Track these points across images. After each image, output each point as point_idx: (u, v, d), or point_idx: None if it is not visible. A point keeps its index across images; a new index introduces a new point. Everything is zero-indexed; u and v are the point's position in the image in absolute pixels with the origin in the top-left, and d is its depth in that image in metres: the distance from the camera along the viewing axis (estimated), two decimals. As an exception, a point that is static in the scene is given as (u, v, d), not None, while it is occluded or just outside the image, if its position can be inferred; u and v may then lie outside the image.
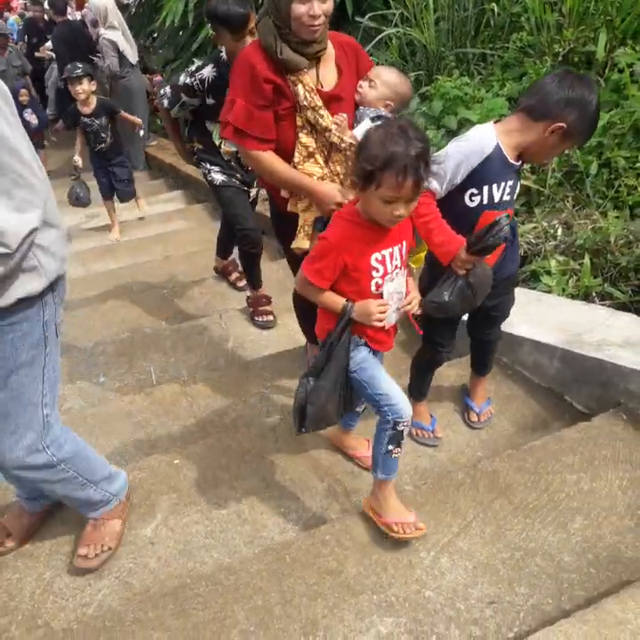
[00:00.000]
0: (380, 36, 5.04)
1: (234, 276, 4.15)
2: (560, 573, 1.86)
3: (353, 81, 2.26)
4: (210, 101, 3.22)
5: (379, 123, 1.79)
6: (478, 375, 2.61)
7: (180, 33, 7.62)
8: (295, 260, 2.32)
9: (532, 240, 3.33)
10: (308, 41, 2.08)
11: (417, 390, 2.55)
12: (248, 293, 3.76)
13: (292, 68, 2.11)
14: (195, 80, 3.15)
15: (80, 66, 4.96)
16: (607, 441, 2.26)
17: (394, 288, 1.82)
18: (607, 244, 3.09)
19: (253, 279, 3.69)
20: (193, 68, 3.19)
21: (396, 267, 1.81)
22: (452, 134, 4.22)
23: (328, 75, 2.21)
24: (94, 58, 7.13)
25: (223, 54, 3.11)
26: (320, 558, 1.94)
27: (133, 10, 8.97)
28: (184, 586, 1.92)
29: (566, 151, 2.93)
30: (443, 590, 1.84)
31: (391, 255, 1.79)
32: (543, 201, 3.63)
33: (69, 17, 8.91)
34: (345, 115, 2.17)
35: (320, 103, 2.16)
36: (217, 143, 3.43)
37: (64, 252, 1.74)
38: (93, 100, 5.08)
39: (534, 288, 3.06)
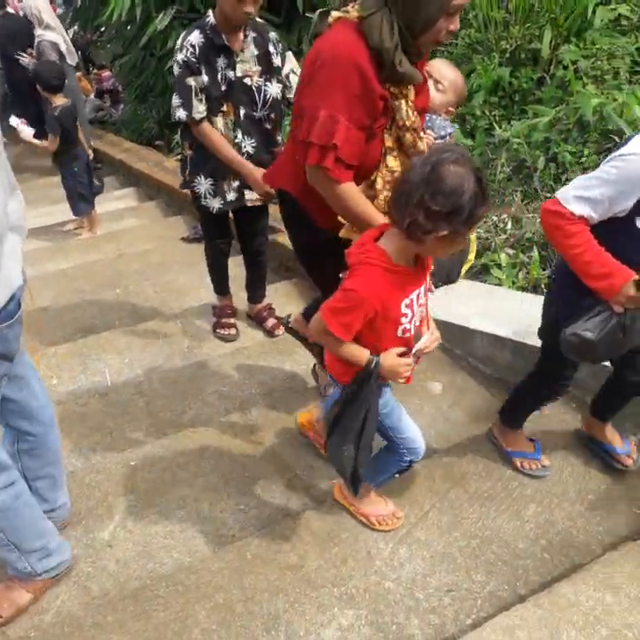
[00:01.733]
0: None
1: (270, 322, 3.45)
2: (515, 560, 1.91)
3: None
4: (202, 79, 2.67)
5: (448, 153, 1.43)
6: (603, 421, 2.26)
7: (128, 27, 7.49)
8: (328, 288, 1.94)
9: (483, 234, 3.39)
10: (421, 54, 1.79)
11: (516, 420, 2.27)
12: (214, 302, 3.56)
13: (406, 82, 1.75)
14: (188, 51, 2.63)
15: None
16: (558, 428, 2.33)
17: (423, 343, 1.70)
18: (555, 237, 3.17)
19: (222, 284, 3.50)
20: (177, 45, 2.70)
21: (421, 305, 1.66)
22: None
23: None
24: (21, 57, 6.80)
25: (210, 19, 2.66)
26: (281, 554, 1.95)
27: (79, 3, 8.75)
28: (144, 587, 1.91)
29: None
30: (402, 581, 1.87)
31: (418, 296, 1.63)
32: (493, 195, 3.71)
33: (10, 10, 7.85)
34: (431, 133, 1.95)
35: (419, 122, 1.84)
36: None
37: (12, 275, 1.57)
38: None
39: (485, 281, 3.13)
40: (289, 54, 2.84)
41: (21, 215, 1.68)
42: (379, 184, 1.85)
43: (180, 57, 2.66)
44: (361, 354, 1.63)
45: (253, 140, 2.82)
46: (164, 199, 5.86)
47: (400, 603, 1.81)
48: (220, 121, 2.77)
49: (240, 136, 2.80)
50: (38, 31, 6.35)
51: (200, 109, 2.70)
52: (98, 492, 2.32)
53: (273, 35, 2.80)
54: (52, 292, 4.15)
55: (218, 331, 3.45)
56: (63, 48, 6.44)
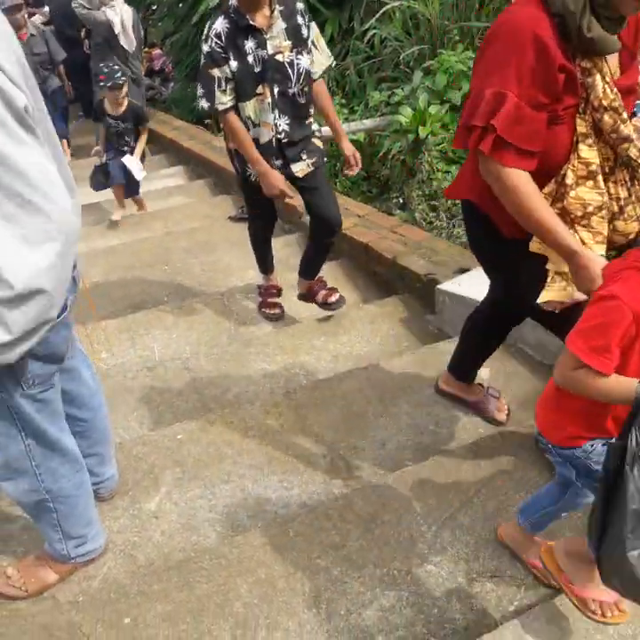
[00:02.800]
0: (383, 9, 4.97)
1: (322, 294, 3.24)
2: (561, 548, 1.87)
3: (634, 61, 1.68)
4: (229, 68, 2.62)
5: None
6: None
7: (180, 5, 7.52)
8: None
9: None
10: (621, 19, 1.53)
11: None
12: (259, 282, 3.52)
13: (598, 51, 1.53)
14: (212, 41, 2.60)
15: (119, 70, 4.83)
16: (609, 418, 2.27)
17: None
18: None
19: (266, 263, 3.48)
20: (204, 33, 2.69)
21: None
22: (455, 109, 4.18)
23: (611, 57, 1.61)
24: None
25: (233, 0, 2.61)
26: (323, 532, 1.96)
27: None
28: (188, 559, 1.95)
29: None
30: (444, 564, 1.86)
31: None
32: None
33: None
34: None
35: (621, 102, 1.58)
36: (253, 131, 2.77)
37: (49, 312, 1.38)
38: (125, 103, 4.88)
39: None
40: (312, 25, 2.79)
41: (78, 214, 1.59)
42: (569, 179, 1.60)
43: (205, 47, 2.63)
44: (630, 383, 1.24)
45: (287, 117, 2.75)
46: (212, 178, 5.88)
47: (442, 586, 1.80)
48: (252, 105, 2.69)
49: (276, 115, 2.72)
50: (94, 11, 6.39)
51: (223, 100, 2.65)
52: (144, 464, 2.36)
53: (300, 5, 2.74)
54: (101, 269, 4.23)
55: (263, 310, 3.46)
56: (117, 29, 6.44)
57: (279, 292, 3.50)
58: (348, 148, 2.97)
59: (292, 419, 2.51)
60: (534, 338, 2.68)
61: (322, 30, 5.99)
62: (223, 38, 2.58)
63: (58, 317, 1.48)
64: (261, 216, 3.26)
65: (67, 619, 1.79)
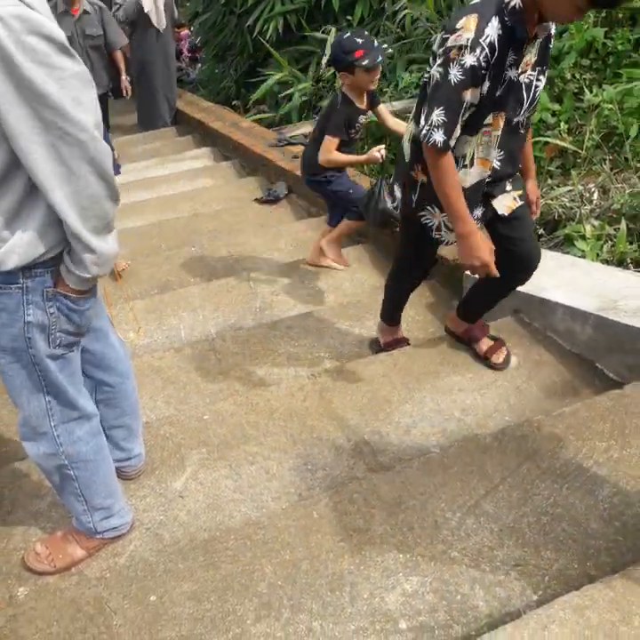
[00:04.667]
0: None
1: (485, 346, 2.70)
2: (586, 539, 1.86)
3: None
4: (484, 88, 1.96)
5: None
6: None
7: (209, -16, 7.48)
8: None
9: (567, 203, 3.26)
10: None
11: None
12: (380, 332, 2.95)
13: None
14: (482, 52, 1.86)
15: None
16: (639, 410, 2.24)
17: None
18: (645, 208, 3.02)
19: (398, 313, 2.89)
20: (462, 34, 1.86)
21: None
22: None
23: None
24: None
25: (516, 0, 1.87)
26: (347, 516, 1.97)
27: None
28: (213, 539, 1.97)
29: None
30: (468, 551, 1.85)
31: None
32: (579, 163, 3.54)
33: None
34: None
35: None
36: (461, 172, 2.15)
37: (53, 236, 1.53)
38: None
39: (568, 252, 3.01)
40: None
41: None
42: None
43: (467, 58, 1.87)
44: None
45: (503, 153, 2.19)
46: (239, 159, 5.88)
47: (465, 573, 1.80)
48: (475, 140, 2.11)
49: (497, 151, 2.17)
50: None
51: (456, 136, 2.03)
52: (171, 443, 2.39)
53: None
54: (128, 249, 4.25)
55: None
56: (148, 8, 6.44)
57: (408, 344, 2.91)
58: (533, 192, 2.48)
59: (316, 402, 2.52)
60: (563, 326, 2.64)
61: (352, 11, 5.97)
62: (496, 51, 1.89)
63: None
64: (423, 265, 2.64)
65: (94, 593, 1.83)
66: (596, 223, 3.11)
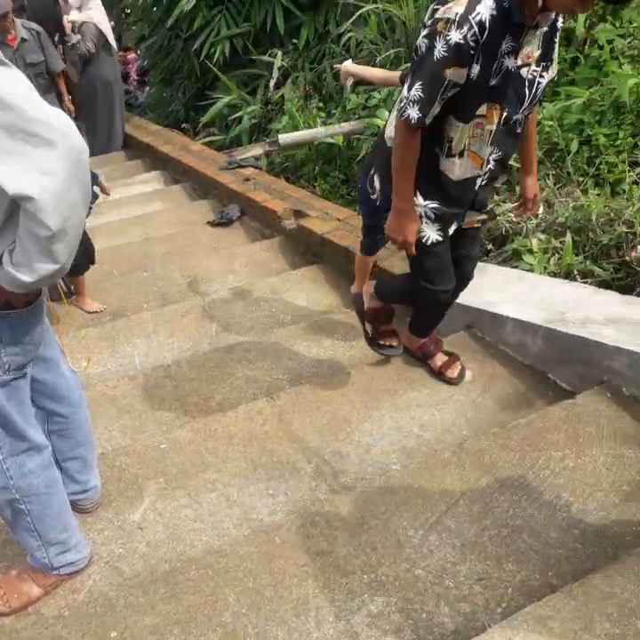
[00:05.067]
0: (358, 13, 4.99)
1: (440, 361, 2.70)
2: (547, 549, 1.89)
3: None
4: (473, 71, 1.87)
5: None
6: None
7: (154, 8, 7.47)
8: None
9: (514, 219, 3.33)
10: None
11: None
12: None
13: None
14: (470, 30, 1.77)
15: None
16: (591, 418, 2.29)
17: None
18: (588, 221, 3.12)
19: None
20: (449, 12, 1.78)
21: None
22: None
23: None
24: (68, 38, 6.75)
25: None
26: (309, 539, 1.95)
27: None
28: (174, 570, 1.93)
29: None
30: (432, 568, 1.86)
31: None
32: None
33: None
34: None
35: None
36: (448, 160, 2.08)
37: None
38: None
39: (516, 267, 3.08)
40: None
41: None
42: None
43: (453, 34, 1.77)
44: None
45: (500, 153, 2.11)
46: (190, 182, 5.86)
47: (430, 590, 1.80)
48: (466, 130, 2.01)
49: (493, 148, 2.08)
50: (74, 13, 6.28)
51: (433, 113, 1.94)
52: (128, 474, 2.34)
53: None
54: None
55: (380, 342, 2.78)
56: (107, 30, 6.42)
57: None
58: (531, 189, 2.42)
59: (275, 425, 2.50)
60: (515, 339, 2.70)
61: (297, 33, 6.04)
62: (486, 31, 1.78)
63: (36, 299, 1.59)
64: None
65: (51, 633, 1.77)
66: (543, 237, 3.19)
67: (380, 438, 2.43)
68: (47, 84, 5.44)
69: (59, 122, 1.30)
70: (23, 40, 5.16)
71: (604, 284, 2.90)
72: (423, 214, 2.18)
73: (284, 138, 5.21)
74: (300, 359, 2.99)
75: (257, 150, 5.61)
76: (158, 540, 2.11)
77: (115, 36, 6.95)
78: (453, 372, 2.67)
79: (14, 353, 1.61)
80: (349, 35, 5.26)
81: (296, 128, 5.26)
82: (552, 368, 2.61)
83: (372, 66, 5.07)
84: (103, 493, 2.23)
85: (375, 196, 2.36)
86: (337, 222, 4.01)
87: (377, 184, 2.34)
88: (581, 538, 1.92)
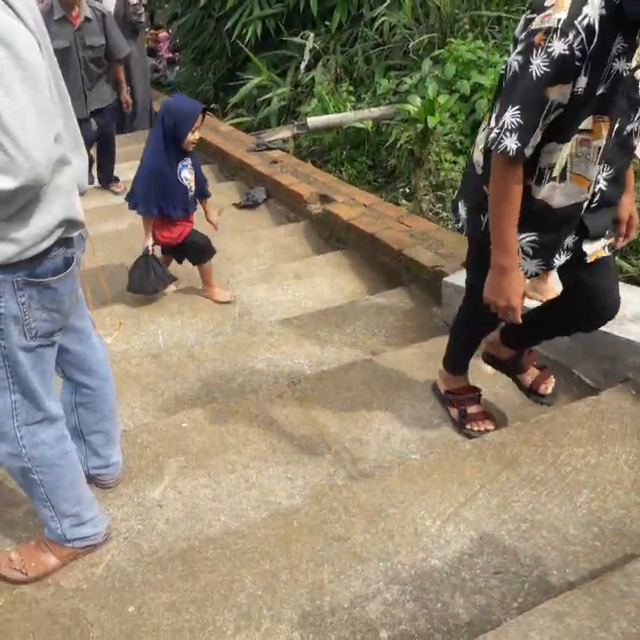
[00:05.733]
0: (393, -4, 4.92)
1: (532, 376, 2.41)
2: (565, 546, 1.87)
3: None
4: (579, 85, 1.57)
5: None
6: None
7: (187, -14, 7.45)
8: None
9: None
10: None
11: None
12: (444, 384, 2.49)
13: None
14: (576, 37, 1.48)
15: None
16: (615, 415, 2.27)
17: None
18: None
19: (468, 360, 2.45)
20: (549, 20, 1.49)
21: None
22: (464, 99, 4.15)
23: None
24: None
25: None
26: (327, 524, 1.96)
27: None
28: (192, 548, 1.95)
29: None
30: (448, 559, 1.86)
31: None
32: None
33: None
34: None
35: None
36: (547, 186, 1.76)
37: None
38: None
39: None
40: None
41: (84, 172, 1.74)
42: None
43: (556, 45, 1.49)
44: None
45: (611, 171, 1.78)
46: (217, 164, 5.85)
47: (446, 581, 1.80)
48: (568, 149, 1.70)
49: (602, 167, 1.75)
50: None
51: (534, 143, 1.64)
52: (149, 451, 2.36)
53: None
54: (105, 253, 4.19)
55: (470, 427, 2.37)
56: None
57: (480, 395, 2.44)
58: (627, 208, 2.00)
59: (296, 409, 2.51)
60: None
61: (330, 16, 5.98)
62: (596, 36, 1.50)
63: (66, 269, 1.62)
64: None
65: (70, 605, 1.80)
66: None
67: (399, 427, 2.42)
68: (103, 70, 5.03)
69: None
70: (87, 19, 4.70)
71: (633, 280, 2.86)
72: (520, 250, 1.83)
73: (312, 121, 5.18)
74: (322, 345, 2.99)
75: (285, 133, 5.58)
76: (177, 517, 2.14)
77: (147, 14, 6.89)
78: (547, 388, 2.37)
79: (42, 319, 1.62)
80: (383, 19, 5.20)
81: (325, 111, 5.22)
82: (577, 363, 2.58)
83: (404, 51, 5.03)
84: (124, 470, 2.26)
85: (460, 225, 2.06)
86: (363, 208, 3.99)
87: (462, 212, 2.02)
88: (601, 535, 1.90)
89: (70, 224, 1.60)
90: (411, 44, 4.66)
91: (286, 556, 1.88)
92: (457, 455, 2.17)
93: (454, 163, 4.10)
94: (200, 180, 3.43)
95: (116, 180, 5.64)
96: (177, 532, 2.10)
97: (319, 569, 1.84)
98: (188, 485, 2.24)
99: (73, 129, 1.68)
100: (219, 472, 2.27)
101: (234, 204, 4.84)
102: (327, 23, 6.03)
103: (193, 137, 3.14)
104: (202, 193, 3.49)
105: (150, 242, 3.35)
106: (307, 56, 5.93)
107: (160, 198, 3.17)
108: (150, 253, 3.35)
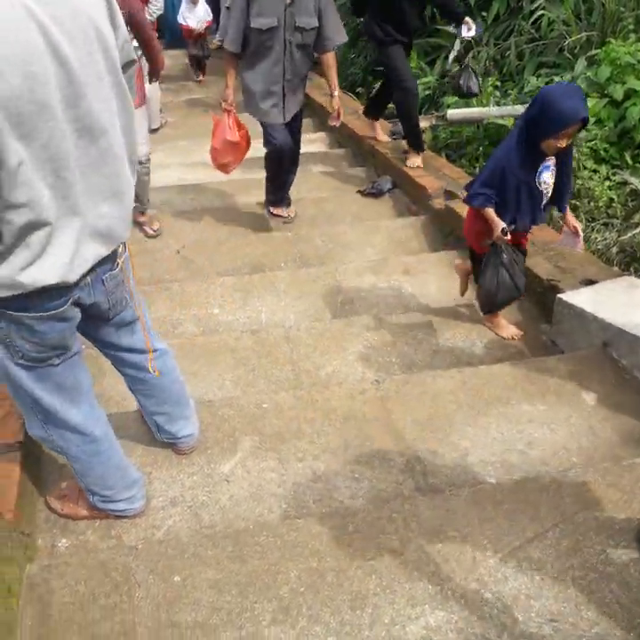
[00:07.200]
0: (556, -11, 4.63)
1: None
2: (635, 606, 1.71)
3: None
4: None
5: None
6: None
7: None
8: None
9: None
10: None
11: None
12: None
13: None
14: None
15: None
16: None
17: None
18: None
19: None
20: None
21: None
22: (615, 105, 3.84)
23: None
24: None
25: None
26: (383, 535, 1.91)
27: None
28: (246, 531, 1.96)
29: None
30: (503, 596, 1.75)
31: None
32: None
33: None
34: None
35: None
36: None
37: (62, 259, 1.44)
38: None
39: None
40: None
41: (117, 219, 1.58)
42: None
43: None
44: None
45: None
46: (352, 148, 5.82)
47: (495, 618, 1.70)
48: None
49: None
50: None
51: None
52: (227, 425, 2.41)
53: None
54: (228, 228, 4.33)
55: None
56: None
57: None
58: None
59: (376, 408, 2.46)
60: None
61: (488, 6, 5.73)
62: None
63: (51, 310, 1.52)
64: None
65: (124, 562, 1.87)
66: None
67: (480, 446, 2.30)
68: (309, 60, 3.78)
69: None
70: None
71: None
72: None
73: (452, 113, 5.02)
74: (416, 346, 2.90)
75: (423, 123, 5.43)
76: (241, 496, 2.16)
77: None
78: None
79: (25, 346, 1.58)
80: (542, 13, 4.91)
81: (467, 104, 5.04)
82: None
83: (559, 49, 4.73)
84: (200, 439, 2.31)
85: None
86: (488, 210, 3.81)
87: None
88: (679, 606, 1.72)
89: (50, 281, 1.46)
90: (567, 42, 4.37)
91: (336, 558, 1.85)
92: (535, 487, 2.04)
93: (594, 171, 3.82)
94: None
95: None
96: (238, 510, 2.12)
97: (366, 578, 1.80)
98: (257, 466, 2.26)
99: (109, 175, 1.50)
100: (288, 458, 2.27)
101: (358, 191, 4.80)
102: (484, 14, 5.79)
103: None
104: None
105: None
106: (457, 46, 5.73)
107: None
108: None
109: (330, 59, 3.66)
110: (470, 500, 2.00)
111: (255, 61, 3.57)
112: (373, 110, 5.14)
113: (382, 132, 5.19)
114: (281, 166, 3.98)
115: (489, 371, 2.64)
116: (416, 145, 4.51)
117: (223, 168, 4.06)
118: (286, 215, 4.26)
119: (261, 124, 3.84)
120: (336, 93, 3.71)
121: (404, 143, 5.06)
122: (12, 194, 1.29)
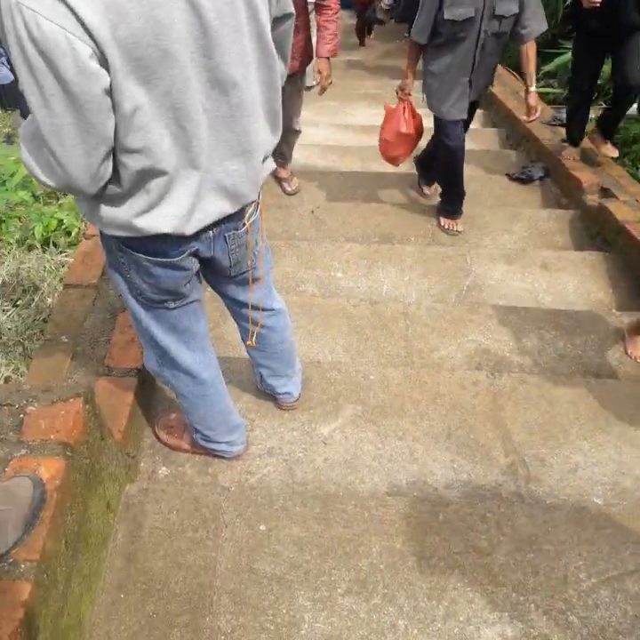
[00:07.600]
0: None
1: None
2: None
3: None
4: None
5: None
6: None
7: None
8: None
9: None
10: None
11: None
12: None
13: None
14: None
15: None
16: None
17: None
18: None
19: None
20: None
21: None
22: None
23: None
24: None
25: None
26: (472, 532, 1.85)
27: None
28: (336, 496, 1.96)
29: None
30: (589, 623, 1.65)
31: None
32: None
33: None
34: None
35: None
36: None
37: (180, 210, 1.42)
38: None
39: None
40: None
41: (244, 177, 1.51)
42: None
43: None
44: None
45: None
46: (506, 129, 5.58)
47: (577, 645, 1.61)
48: None
49: None
50: None
51: None
52: (333, 390, 2.41)
53: None
54: (364, 193, 4.28)
55: None
56: None
57: None
58: None
59: (487, 402, 2.37)
60: None
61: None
62: None
63: (167, 257, 1.52)
64: None
65: (214, 500, 1.92)
66: None
67: (592, 463, 2.17)
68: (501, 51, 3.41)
69: None
70: None
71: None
72: None
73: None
74: (543, 347, 2.76)
75: (593, 113, 5.10)
76: (335, 460, 2.16)
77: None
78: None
79: (141, 285, 1.61)
80: None
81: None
82: None
83: None
84: (305, 398, 2.33)
85: None
86: (642, 212, 3.54)
87: None
88: None
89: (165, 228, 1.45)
90: None
91: (420, 543, 1.82)
92: (644, 518, 1.90)
93: None
94: None
95: None
96: (331, 473, 2.13)
97: (448, 571, 1.75)
98: (355, 435, 2.24)
99: (239, 132, 1.44)
100: (388, 434, 2.25)
101: (506, 174, 4.59)
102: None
103: None
104: None
105: None
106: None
107: None
108: None
109: (529, 50, 3.37)
110: (571, 517, 1.89)
111: (442, 53, 3.34)
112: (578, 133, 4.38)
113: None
114: (456, 171, 3.76)
115: (619, 386, 2.46)
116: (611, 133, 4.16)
117: (393, 161, 3.90)
118: (460, 230, 3.85)
119: (436, 119, 3.62)
120: (532, 89, 3.41)
121: (562, 131, 4.78)
122: (127, 138, 1.27)
